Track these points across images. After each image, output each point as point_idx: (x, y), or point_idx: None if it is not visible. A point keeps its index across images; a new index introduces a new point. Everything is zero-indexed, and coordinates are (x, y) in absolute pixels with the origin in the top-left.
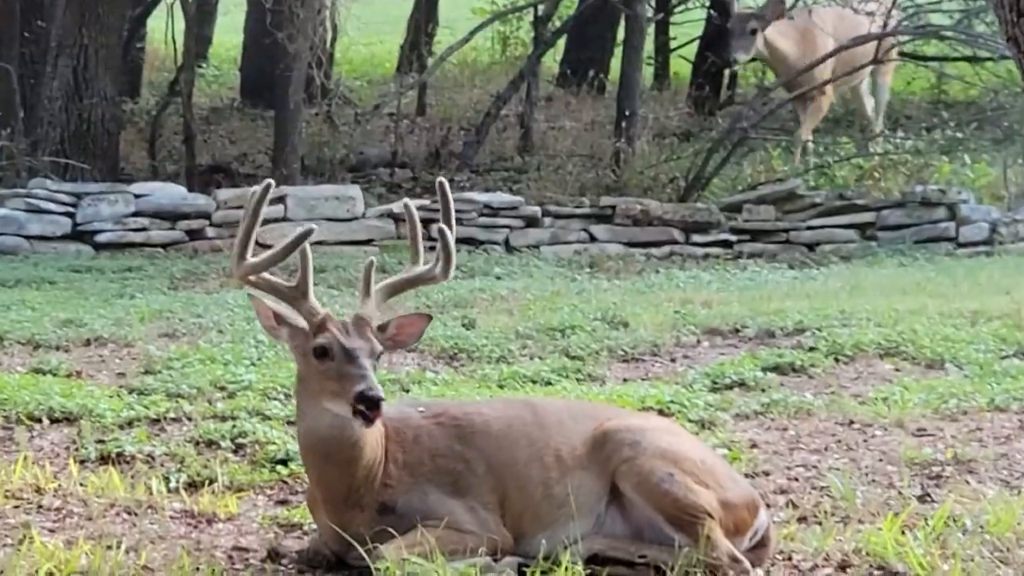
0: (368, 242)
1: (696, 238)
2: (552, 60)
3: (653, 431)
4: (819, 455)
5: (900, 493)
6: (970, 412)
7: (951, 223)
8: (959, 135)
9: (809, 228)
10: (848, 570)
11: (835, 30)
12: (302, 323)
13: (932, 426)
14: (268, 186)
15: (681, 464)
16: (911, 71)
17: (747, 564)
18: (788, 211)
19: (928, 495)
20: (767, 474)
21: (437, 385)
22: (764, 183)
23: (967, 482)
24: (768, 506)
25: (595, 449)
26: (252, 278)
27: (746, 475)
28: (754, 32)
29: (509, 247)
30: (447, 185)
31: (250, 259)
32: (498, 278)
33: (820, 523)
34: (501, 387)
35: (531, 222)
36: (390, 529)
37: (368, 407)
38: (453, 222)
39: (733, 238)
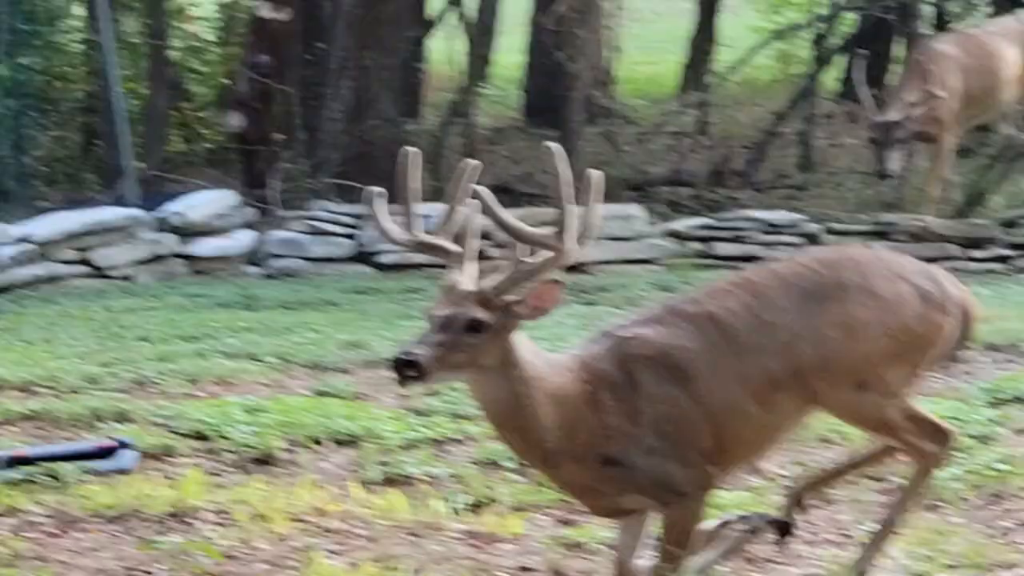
0: (650, 261)
1: (974, 253)
2: (832, 78)
3: None
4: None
5: None
6: None
7: None
8: None
9: None
10: None
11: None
12: None
13: None
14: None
15: None
16: None
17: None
18: None
19: None
20: None
21: None
22: None
23: None
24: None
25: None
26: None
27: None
28: (902, 141)
29: None
30: (556, 149)
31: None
32: None
33: None
34: None
35: (812, 239)
36: (620, 480)
37: (391, 367)
38: (567, 188)
39: (1011, 253)
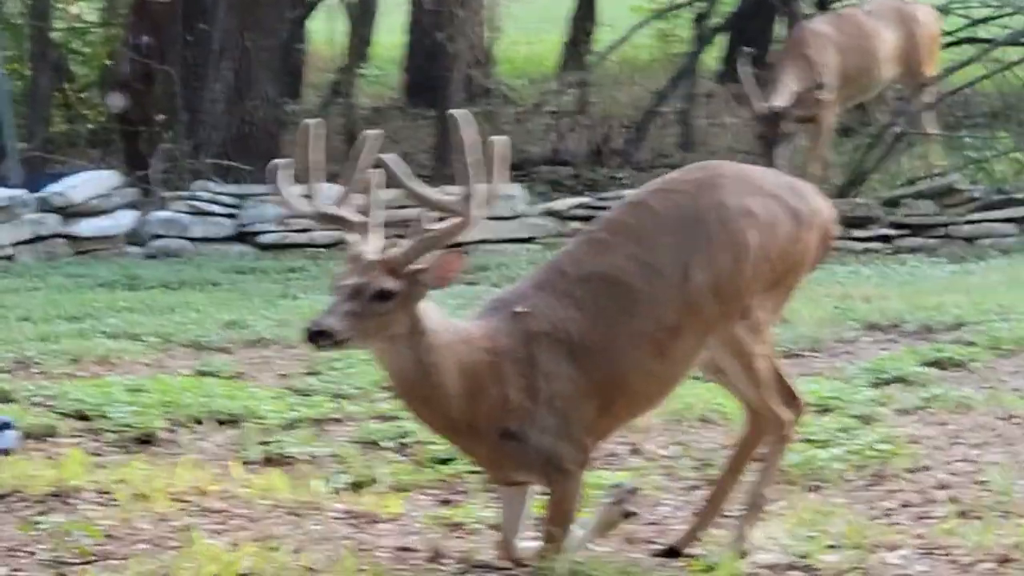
0: (530, 240)
1: (856, 233)
2: (712, 57)
3: None
4: (979, 450)
5: None
6: None
7: None
8: None
9: (968, 223)
10: (1008, 565)
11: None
12: None
13: None
14: (371, 137)
15: None
16: None
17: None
18: (947, 206)
19: None
20: (927, 469)
21: None
22: (923, 177)
23: None
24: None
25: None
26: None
27: (906, 470)
28: (788, 135)
29: None
30: (459, 117)
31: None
32: None
33: (980, 518)
34: None
35: None
36: (515, 455)
37: (304, 339)
38: (469, 155)
39: (892, 233)
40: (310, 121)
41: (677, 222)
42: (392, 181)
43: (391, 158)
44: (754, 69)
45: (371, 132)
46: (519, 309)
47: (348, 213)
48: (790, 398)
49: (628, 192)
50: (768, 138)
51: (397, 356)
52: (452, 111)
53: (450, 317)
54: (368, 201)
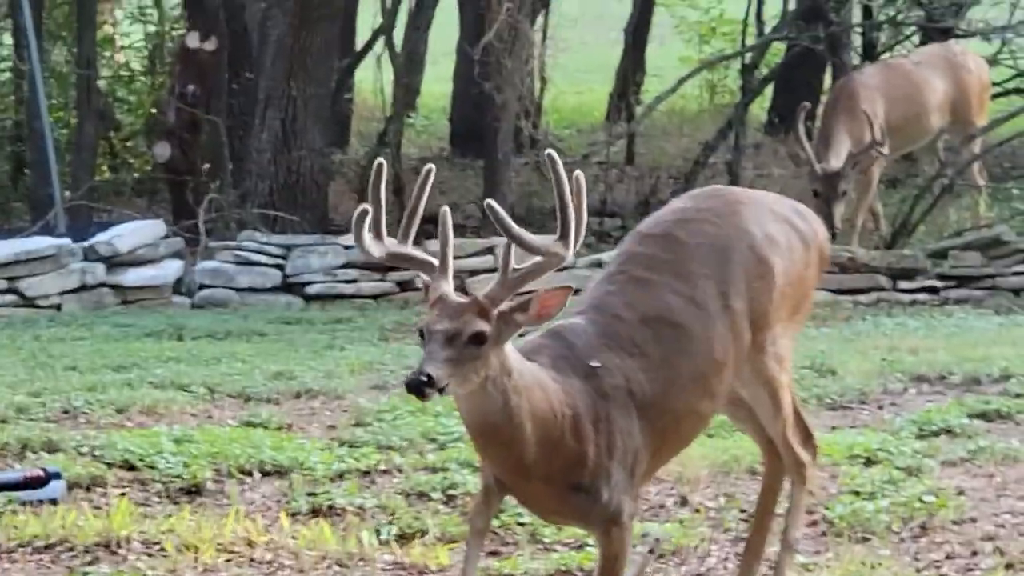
0: (577, 291)
1: (903, 284)
2: (760, 108)
3: None
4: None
5: None
6: None
7: None
8: None
9: (1015, 274)
10: None
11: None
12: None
13: None
14: (429, 171)
15: None
16: None
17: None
18: (994, 257)
19: None
20: (974, 521)
21: None
22: (970, 229)
23: None
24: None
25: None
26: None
27: (953, 522)
28: (845, 194)
29: None
30: (555, 156)
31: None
32: None
33: None
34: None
35: None
36: (582, 508)
37: (408, 390)
38: (568, 193)
39: (939, 284)
40: (381, 161)
41: (709, 252)
42: (496, 220)
43: (491, 202)
44: (807, 123)
45: (430, 166)
46: (594, 364)
47: (419, 253)
48: (806, 438)
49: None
50: (827, 196)
51: (485, 398)
52: (549, 151)
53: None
54: (441, 240)
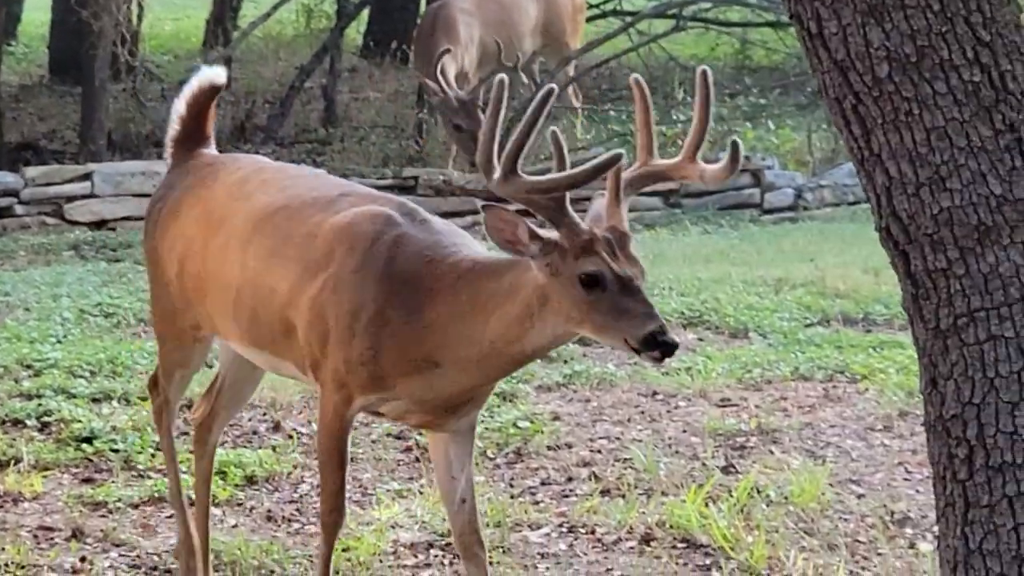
0: None
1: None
2: (356, 32)
3: None
4: (622, 427)
5: (704, 464)
6: (774, 381)
7: (755, 189)
8: (763, 101)
9: None
10: (652, 543)
11: None
12: (561, 239)
13: (736, 396)
14: (551, 91)
15: None
16: (714, 37)
17: None
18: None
19: (732, 466)
20: (570, 447)
21: None
22: (567, 151)
23: (771, 452)
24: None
25: None
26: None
27: (548, 448)
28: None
29: None
30: (709, 74)
31: (525, 176)
32: None
33: (623, 496)
34: None
35: None
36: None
37: (664, 352)
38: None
39: None
40: (503, 77)
41: None
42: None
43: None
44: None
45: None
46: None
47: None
48: None
49: None
50: (471, 127)
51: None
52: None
53: None
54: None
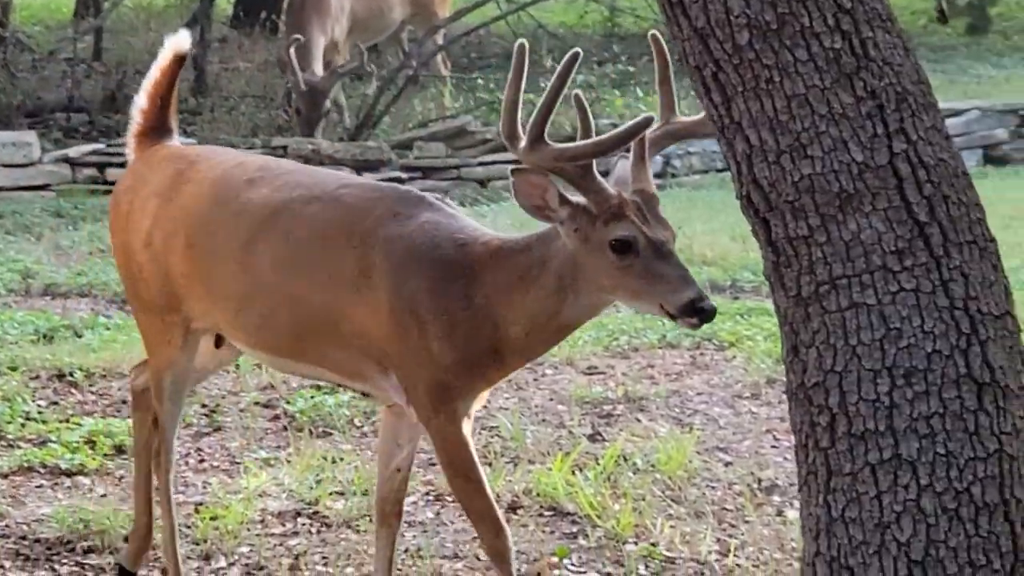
0: (45, 187)
1: (367, 176)
2: (226, 2)
3: None
4: (489, 395)
5: (571, 433)
6: (641, 349)
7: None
8: (631, 68)
9: (481, 164)
10: (519, 511)
11: None
12: (589, 204)
13: (603, 364)
14: (576, 55)
15: None
16: (583, 5)
17: None
18: (459, 147)
19: (599, 434)
20: None
21: (109, 329)
22: (435, 120)
23: (638, 420)
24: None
25: None
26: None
27: None
28: (328, 112)
29: None
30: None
31: (552, 144)
32: None
33: (490, 464)
34: None
35: None
36: None
37: (702, 319)
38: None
39: (404, 175)
40: (523, 42)
41: None
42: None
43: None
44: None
45: (576, 50)
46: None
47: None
48: None
49: None
50: (308, 116)
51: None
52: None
53: None
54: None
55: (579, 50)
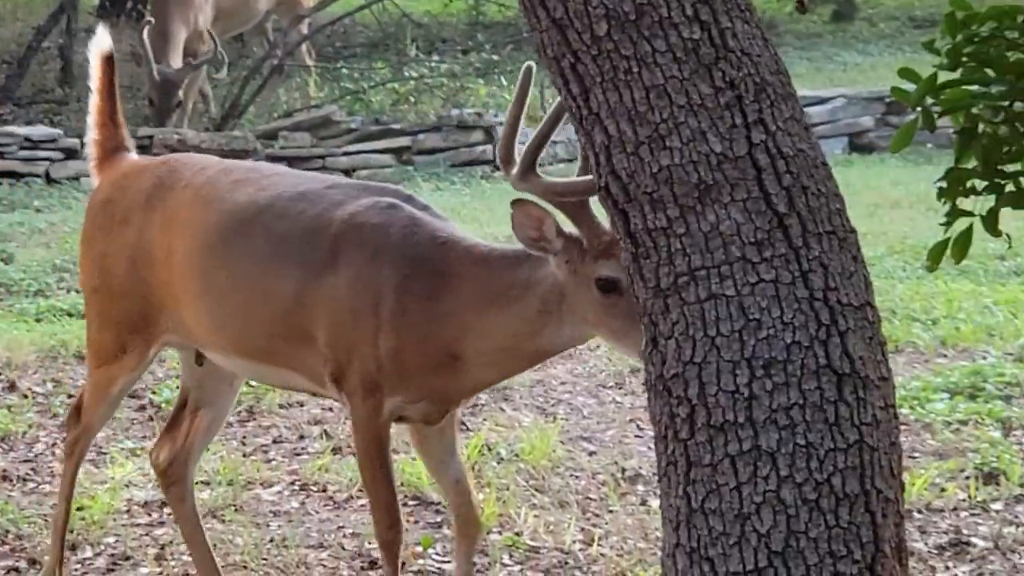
0: None
1: None
2: None
3: None
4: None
5: None
6: None
7: (488, 146)
8: (495, 57)
9: (346, 154)
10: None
11: None
12: (582, 238)
13: None
14: (529, 70)
15: None
16: None
17: None
18: (324, 137)
19: (463, 424)
20: (302, 405)
21: None
22: (300, 109)
23: (502, 410)
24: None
25: None
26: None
27: (280, 406)
28: (179, 105)
29: (50, 179)
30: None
31: (543, 176)
32: (38, 211)
33: (355, 454)
34: (38, 320)
35: (71, 154)
36: None
37: None
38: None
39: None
40: (531, 64)
41: None
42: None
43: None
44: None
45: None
46: None
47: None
48: None
49: (6, 127)
50: (160, 107)
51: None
52: (529, 64)
53: None
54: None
55: (532, 64)
